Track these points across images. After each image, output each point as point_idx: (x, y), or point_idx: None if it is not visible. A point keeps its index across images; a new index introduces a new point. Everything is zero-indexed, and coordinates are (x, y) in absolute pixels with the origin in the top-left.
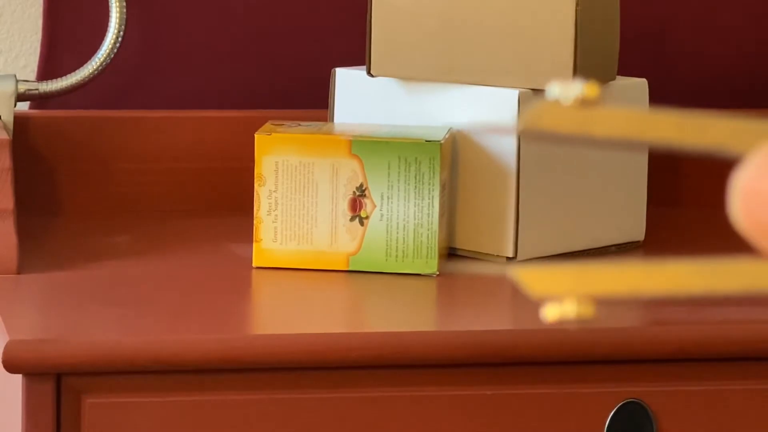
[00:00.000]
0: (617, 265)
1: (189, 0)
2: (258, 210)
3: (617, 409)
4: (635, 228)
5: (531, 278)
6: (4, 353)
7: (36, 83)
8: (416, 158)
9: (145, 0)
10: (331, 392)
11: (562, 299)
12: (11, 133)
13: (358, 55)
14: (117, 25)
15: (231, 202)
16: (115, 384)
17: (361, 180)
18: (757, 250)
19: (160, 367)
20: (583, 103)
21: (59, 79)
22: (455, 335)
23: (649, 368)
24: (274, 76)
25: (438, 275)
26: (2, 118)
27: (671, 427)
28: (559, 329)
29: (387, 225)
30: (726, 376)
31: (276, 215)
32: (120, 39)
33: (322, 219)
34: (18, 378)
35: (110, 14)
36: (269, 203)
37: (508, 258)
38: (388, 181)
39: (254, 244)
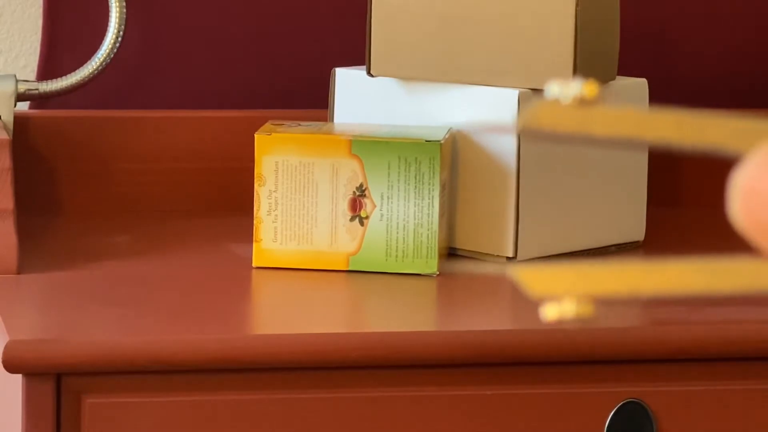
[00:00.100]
0: (617, 265)
1: (189, 0)
2: (258, 210)
3: (617, 409)
4: (635, 228)
5: (531, 278)
6: (4, 353)
7: (36, 83)
8: (416, 158)
9: (145, 0)
10: (331, 392)
11: (562, 299)
12: (11, 133)
13: (358, 55)
14: (117, 25)
15: (231, 202)
16: (115, 384)
17: (361, 180)
18: (757, 249)
19: (160, 367)
20: (583, 102)
21: (59, 79)
22: (455, 335)
23: (649, 368)
24: (274, 76)
25: (438, 275)
26: (2, 118)
27: (671, 427)
28: (559, 329)
29: (387, 225)
30: (726, 376)
31: (276, 215)
32: (120, 39)
33: (322, 219)
34: (18, 378)
35: (110, 14)
36: (269, 203)
37: (508, 258)
38: (388, 181)
39: (254, 244)
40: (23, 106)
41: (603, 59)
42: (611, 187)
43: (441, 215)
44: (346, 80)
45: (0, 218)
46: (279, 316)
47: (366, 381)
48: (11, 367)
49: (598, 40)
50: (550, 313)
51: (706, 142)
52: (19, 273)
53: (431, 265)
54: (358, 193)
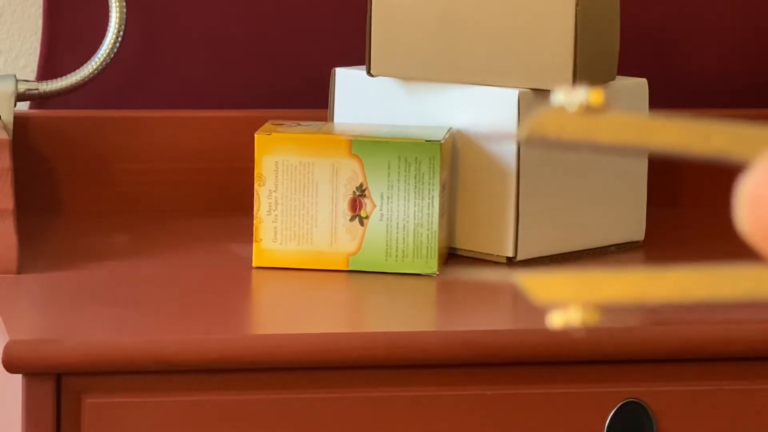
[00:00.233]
0: (621, 272)
1: (189, 0)
2: (258, 210)
3: (617, 409)
4: (635, 228)
5: (535, 285)
6: (4, 353)
7: (36, 83)
8: (416, 158)
9: (145, 0)
10: (331, 392)
11: (567, 306)
12: (11, 133)
13: (358, 55)
14: (117, 25)
15: (231, 202)
16: (115, 384)
17: (361, 180)
18: (762, 256)
19: (160, 367)
20: (587, 109)
21: (59, 79)
22: (455, 335)
23: (649, 368)
24: (274, 76)
25: (438, 275)
26: (2, 118)
27: (671, 427)
28: (558, 329)
29: (387, 225)
30: (726, 376)
31: (276, 215)
32: (120, 39)
33: (322, 219)
34: (18, 378)
35: (110, 14)
36: (269, 203)
37: (508, 258)
38: (388, 181)
39: (254, 244)
40: (23, 106)
41: (603, 59)
42: (611, 188)
43: (441, 215)
44: (346, 80)
45: (0, 218)
46: (279, 316)
47: (366, 381)
48: (11, 367)
49: (598, 40)
50: (555, 320)
51: (711, 149)
52: (19, 273)
53: (431, 265)
54: (358, 193)
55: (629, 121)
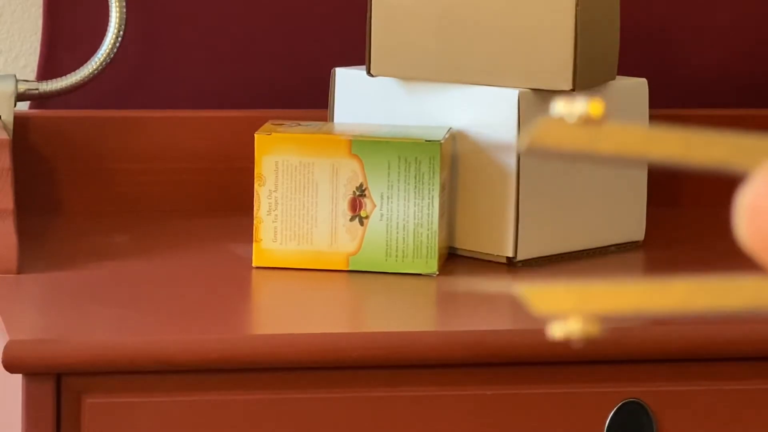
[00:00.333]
0: (621, 283)
1: (189, 0)
2: (258, 210)
3: (617, 409)
4: (635, 228)
5: (535, 296)
6: (4, 353)
7: (36, 83)
8: (416, 158)
9: (145, 0)
10: (331, 392)
11: (567, 317)
12: (11, 133)
13: (358, 55)
14: (117, 25)
15: (231, 202)
16: (115, 384)
17: (361, 180)
18: (762, 267)
19: (160, 367)
20: (587, 120)
21: (59, 79)
22: (455, 335)
23: (649, 368)
24: (274, 76)
25: (438, 275)
26: (2, 118)
27: (671, 427)
28: None
29: (387, 225)
30: (726, 376)
31: (276, 215)
32: (120, 39)
33: (322, 219)
34: (18, 378)
35: (110, 14)
36: (269, 203)
37: (508, 258)
38: (388, 181)
39: (254, 244)
40: (23, 106)
41: (603, 59)
42: (611, 187)
43: (441, 215)
44: (346, 80)
45: (0, 218)
46: (279, 316)
47: (366, 381)
48: (11, 367)
49: (598, 40)
50: (556, 331)
51: (711, 160)
52: (19, 273)
53: (431, 265)
54: (358, 193)
55: (629, 132)
